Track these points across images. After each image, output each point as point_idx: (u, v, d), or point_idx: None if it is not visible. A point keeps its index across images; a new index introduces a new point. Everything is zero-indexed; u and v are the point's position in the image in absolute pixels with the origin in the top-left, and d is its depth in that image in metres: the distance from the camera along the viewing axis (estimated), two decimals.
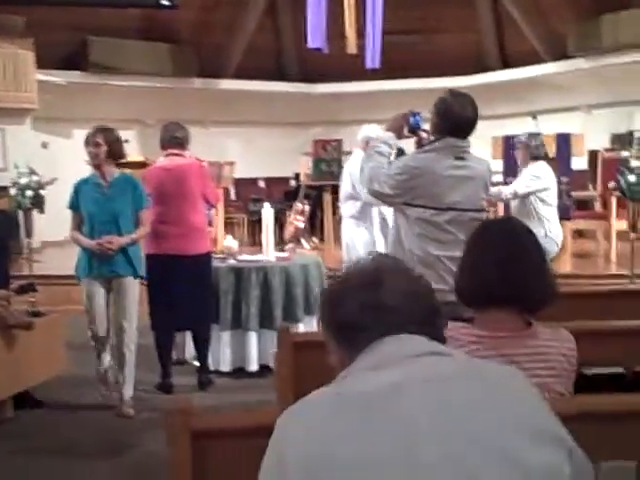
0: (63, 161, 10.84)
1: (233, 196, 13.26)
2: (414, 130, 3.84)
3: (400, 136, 3.84)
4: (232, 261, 6.28)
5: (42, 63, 11.26)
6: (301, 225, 10.40)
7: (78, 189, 5.04)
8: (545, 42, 12.54)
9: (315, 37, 10.18)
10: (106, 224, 4.90)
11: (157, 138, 10.51)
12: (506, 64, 13.24)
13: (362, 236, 6.70)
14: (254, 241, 11.21)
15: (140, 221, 5.06)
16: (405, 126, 3.80)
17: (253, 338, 6.09)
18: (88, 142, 4.91)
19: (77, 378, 5.60)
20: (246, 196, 13.09)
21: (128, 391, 5.10)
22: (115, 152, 4.95)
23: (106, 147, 4.86)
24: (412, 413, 1.23)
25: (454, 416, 1.24)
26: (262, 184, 13.78)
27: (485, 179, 3.67)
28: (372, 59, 10.24)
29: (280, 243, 11.44)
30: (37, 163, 10.60)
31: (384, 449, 1.20)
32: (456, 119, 3.52)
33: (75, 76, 11.94)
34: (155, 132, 11.50)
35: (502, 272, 2.08)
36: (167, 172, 5.51)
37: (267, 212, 6.45)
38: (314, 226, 11.37)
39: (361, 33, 10.50)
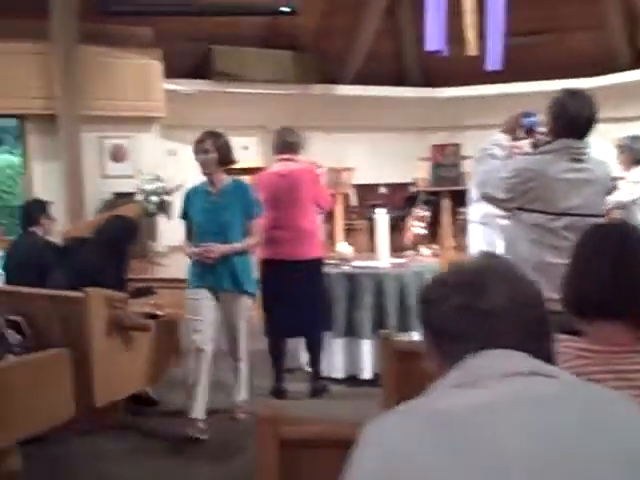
0: (189, 168, 11.14)
1: (354, 202, 13.23)
2: (529, 131, 3.70)
3: (514, 138, 3.72)
4: (346, 267, 6.23)
5: (169, 72, 11.62)
6: (420, 231, 10.24)
7: (187, 198, 4.97)
8: None
9: (433, 39, 9.98)
10: (214, 235, 4.77)
11: None
12: (638, 63, 12.56)
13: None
14: (373, 247, 11.13)
15: (249, 231, 4.86)
16: (520, 127, 3.67)
17: (366, 346, 6.02)
18: (197, 149, 4.80)
19: None
20: (367, 202, 13.04)
21: (241, 395, 5.13)
22: (225, 158, 4.82)
23: (216, 154, 4.75)
24: (504, 441, 1.10)
25: (554, 446, 1.08)
26: (383, 190, 13.69)
27: (605, 182, 3.46)
28: (493, 60, 9.93)
29: (400, 250, 11.38)
30: (164, 170, 11.01)
31: None
32: (572, 119, 3.35)
33: (200, 84, 12.24)
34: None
35: (614, 280, 1.90)
36: (280, 177, 5.54)
37: (381, 218, 6.37)
38: (434, 232, 11.18)
39: (482, 34, 10.21)
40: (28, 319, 4.68)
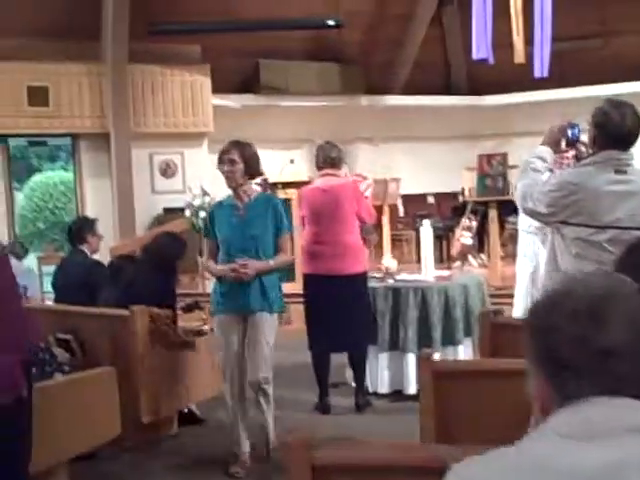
0: None
1: (401, 212, 13.20)
2: (572, 143, 3.63)
3: (557, 150, 3.65)
4: (390, 281, 6.22)
5: (217, 88, 11.80)
6: (468, 242, 10.18)
7: (213, 214, 4.56)
8: None
9: (480, 47, 9.95)
10: (242, 251, 4.35)
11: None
12: None
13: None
14: (419, 258, 11.10)
15: (279, 248, 4.44)
16: (562, 139, 3.60)
17: (411, 360, 5.97)
18: (222, 160, 4.35)
19: None
20: (415, 212, 13.00)
21: (270, 432, 4.61)
22: (252, 169, 4.38)
23: (242, 165, 4.30)
24: None
25: None
26: (431, 200, 13.64)
27: None
28: (541, 68, 9.84)
29: (448, 260, 11.31)
30: (213, 184, 11.16)
31: None
32: (615, 130, 3.27)
33: (248, 99, 12.39)
34: None
35: None
36: (322, 193, 5.56)
37: (426, 230, 6.34)
38: (482, 243, 11.08)
39: (529, 41, 10.13)
40: (77, 337, 4.80)
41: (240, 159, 4.30)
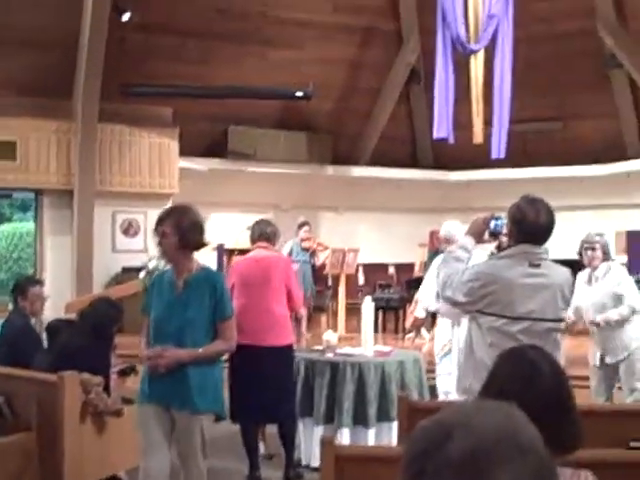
0: None
1: (361, 281, 13.34)
2: (495, 235, 3.76)
3: (480, 241, 3.78)
4: (329, 355, 6.30)
5: (185, 150, 12.01)
6: (421, 315, 10.26)
7: (152, 287, 4.04)
8: None
9: (441, 127, 10.28)
10: (169, 336, 3.78)
11: (292, 223, 11.00)
12: None
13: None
14: (376, 328, 11.19)
15: (219, 334, 3.86)
16: (486, 231, 3.73)
17: (346, 434, 6.02)
18: (156, 230, 3.86)
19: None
20: (375, 282, 13.15)
21: None
22: (190, 241, 3.77)
23: (176, 237, 3.72)
24: None
25: None
26: (392, 270, 13.81)
27: (563, 288, 3.52)
28: (498, 149, 10.15)
29: (403, 331, 11.39)
30: None
31: None
32: (530, 226, 3.44)
33: (214, 163, 12.61)
34: (290, 217, 12.05)
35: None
36: (255, 263, 5.67)
37: (366, 306, 6.45)
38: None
39: (489, 122, 10.47)
40: (8, 399, 4.82)
41: (174, 230, 3.73)
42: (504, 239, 3.83)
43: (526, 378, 2.12)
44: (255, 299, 5.55)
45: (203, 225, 3.87)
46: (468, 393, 3.59)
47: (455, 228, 5.95)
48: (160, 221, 3.86)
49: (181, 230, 3.74)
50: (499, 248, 3.87)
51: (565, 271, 3.65)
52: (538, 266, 3.47)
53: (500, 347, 3.45)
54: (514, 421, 1.08)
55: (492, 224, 3.70)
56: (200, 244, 3.88)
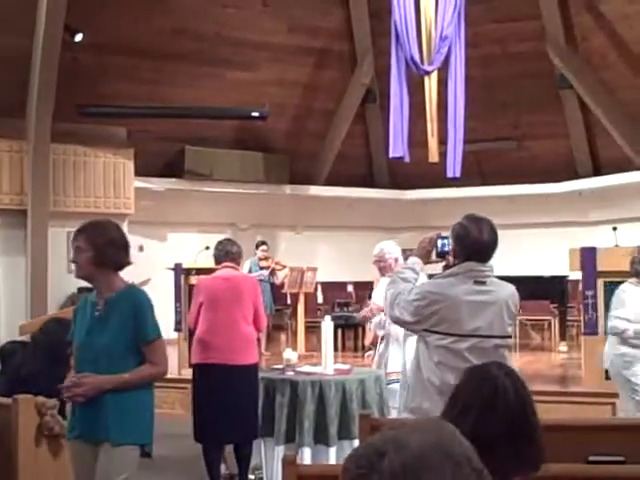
0: (157, 263, 11.27)
1: (320, 299, 13.35)
2: (442, 255, 3.77)
3: (427, 261, 3.79)
4: (290, 373, 6.27)
5: (140, 171, 11.92)
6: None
7: (76, 312, 3.65)
8: (637, 148, 12.26)
9: (396, 146, 10.36)
10: (89, 363, 3.42)
11: (250, 242, 10.96)
12: (597, 171, 12.98)
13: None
14: (336, 346, 11.19)
15: (146, 358, 3.45)
16: (433, 251, 3.75)
17: (307, 454, 5.98)
18: (72, 245, 3.51)
19: None
20: (334, 300, 13.17)
21: None
22: (108, 258, 3.40)
23: (92, 253, 3.37)
24: None
25: None
26: (350, 288, 13.85)
27: (508, 304, 3.55)
28: (452, 168, 10.27)
29: (362, 349, 11.43)
30: (133, 265, 11.11)
31: None
32: (474, 244, 3.47)
33: (171, 183, 12.55)
34: (248, 236, 12.02)
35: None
36: (223, 281, 5.65)
37: (326, 325, 6.44)
38: None
39: (444, 141, 10.59)
40: None
41: (87, 246, 3.38)
42: (452, 259, 3.83)
43: (490, 396, 2.13)
44: (224, 317, 5.52)
45: (124, 242, 3.52)
46: (415, 412, 3.59)
47: (388, 247, 5.99)
48: (75, 236, 3.50)
49: (96, 246, 3.40)
50: (446, 267, 3.87)
51: (510, 287, 3.67)
52: (483, 283, 3.49)
53: (447, 366, 3.47)
54: (445, 434, 1.11)
55: (439, 243, 3.72)
56: (121, 263, 3.48)
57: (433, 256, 3.77)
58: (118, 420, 3.37)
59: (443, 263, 3.86)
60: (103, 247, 3.40)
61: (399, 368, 5.58)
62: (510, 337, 3.64)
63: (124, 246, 3.50)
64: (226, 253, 5.73)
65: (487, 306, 3.47)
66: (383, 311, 6.20)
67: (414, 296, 3.49)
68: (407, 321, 3.55)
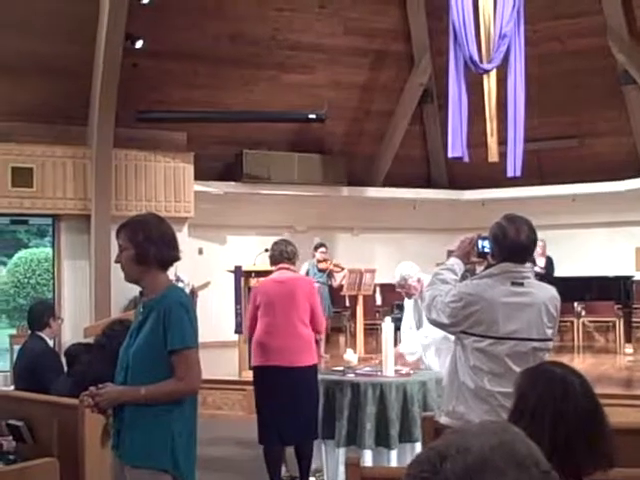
0: (217, 266, 11.38)
1: (379, 301, 13.29)
2: (483, 255, 3.69)
3: (467, 262, 3.72)
4: (350, 375, 6.25)
5: (200, 174, 12.06)
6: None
7: (135, 315, 3.36)
8: None
9: (455, 146, 10.26)
10: (121, 372, 3.17)
11: (308, 244, 10.99)
12: None
13: None
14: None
15: (175, 370, 3.03)
16: (473, 251, 3.67)
17: (368, 456, 5.95)
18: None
19: None
20: (392, 302, 13.09)
21: None
22: (149, 255, 3.09)
23: (133, 251, 3.10)
24: None
25: None
26: None
27: (548, 306, 3.45)
28: (513, 168, 10.12)
29: None
30: (192, 268, 11.25)
31: None
32: (511, 244, 3.38)
33: (229, 186, 12.65)
34: (306, 238, 12.05)
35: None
36: (278, 284, 5.66)
37: (387, 327, 6.40)
38: None
39: (503, 141, 10.45)
40: (29, 424, 4.80)
41: (130, 243, 3.12)
42: (492, 260, 3.75)
43: (562, 397, 2.09)
44: (281, 320, 5.54)
45: (169, 235, 3.21)
46: (451, 416, 3.52)
47: (407, 270, 5.94)
48: (116, 234, 3.24)
49: (137, 242, 3.11)
50: (487, 268, 3.79)
51: (550, 289, 3.57)
52: (521, 284, 3.41)
53: (482, 370, 3.40)
54: (508, 436, 1.09)
55: (479, 244, 3.64)
56: (166, 259, 3.16)
57: (473, 257, 3.70)
58: (131, 439, 3.07)
59: (485, 264, 3.79)
60: (144, 243, 3.10)
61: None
62: (551, 340, 3.53)
63: (168, 240, 3.19)
64: (280, 253, 5.73)
65: (524, 308, 3.39)
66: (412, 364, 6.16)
67: (451, 298, 3.43)
68: (444, 323, 3.49)
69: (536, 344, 3.39)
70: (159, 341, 3.04)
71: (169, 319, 3.03)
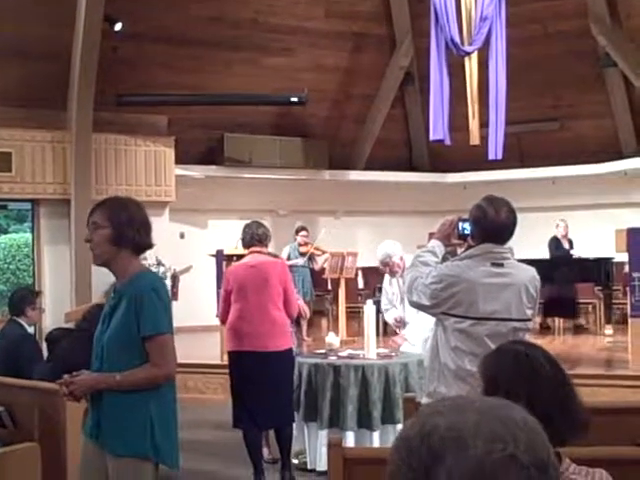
0: (199, 250, 11.35)
1: (361, 284, 13.32)
2: (463, 237, 3.70)
3: (448, 244, 3.72)
4: (332, 358, 6.27)
5: (181, 158, 12.00)
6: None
7: (107, 300, 3.28)
8: None
9: (437, 129, 10.24)
10: (96, 359, 3.09)
11: (290, 228, 10.97)
12: None
13: None
14: (377, 331, 11.16)
15: (149, 356, 2.97)
16: (453, 233, 3.67)
17: (351, 438, 5.98)
18: (87, 223, 3.10)
19: None
20: (375, 285, 13.12)
21: None
22: (126, 238, 3.01)
23: (110, 230, 2.99)
24: None
25: None
26: None
27: (528, 287, 3.46)
28: (494, 150, 10.13)
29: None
30: (174, 252, 11.22)
31: None
32: (490, 225, 3.38)
33: (211, 170, 12.60)
34: (287, 222, 12.03)
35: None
36: (250, 268, 5.62)
37: (368, 309, 6.41)
38: None
39: (485, 123, 10.45)
40: (10, 410, 4.78)
41: (107, 222, 3.00)
42: (472, 242, 3.76)
43: (530, 372, 2.13)
44: (254, 305, 5.51)
45: (146, 221, 3.13)
46: (433, 397, 3.53)
47: (390, 248, 5.96)
48: (91, 212, 3.10)
49: (115, 222, 3.00)
50: (467, 250, 3.79)
51: (530, 269, 3.56)
52: (501, 265, 3.41)
53: (463, 350, 3.42)
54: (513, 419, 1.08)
55: (460, 226, 3.65)
56: (141, 244, 3.09)
57: (454, 239, 3.70)
58: (111, 426, 2.99)
59: (465, 246, 3.78)
60: (123, 224, 3.01)
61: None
62: (530, 320, 3.54)
63: (147, 227, 3.12)
64: (251, 236, 5.66)
65: (504, 288, 3.39)
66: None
67: (431, 279, 3.43)
68: (425, 305, 3.49)
69: (516, 324, 3.40)
70: (132, 327, 2.97)
71: (141, 305, 2.96)
